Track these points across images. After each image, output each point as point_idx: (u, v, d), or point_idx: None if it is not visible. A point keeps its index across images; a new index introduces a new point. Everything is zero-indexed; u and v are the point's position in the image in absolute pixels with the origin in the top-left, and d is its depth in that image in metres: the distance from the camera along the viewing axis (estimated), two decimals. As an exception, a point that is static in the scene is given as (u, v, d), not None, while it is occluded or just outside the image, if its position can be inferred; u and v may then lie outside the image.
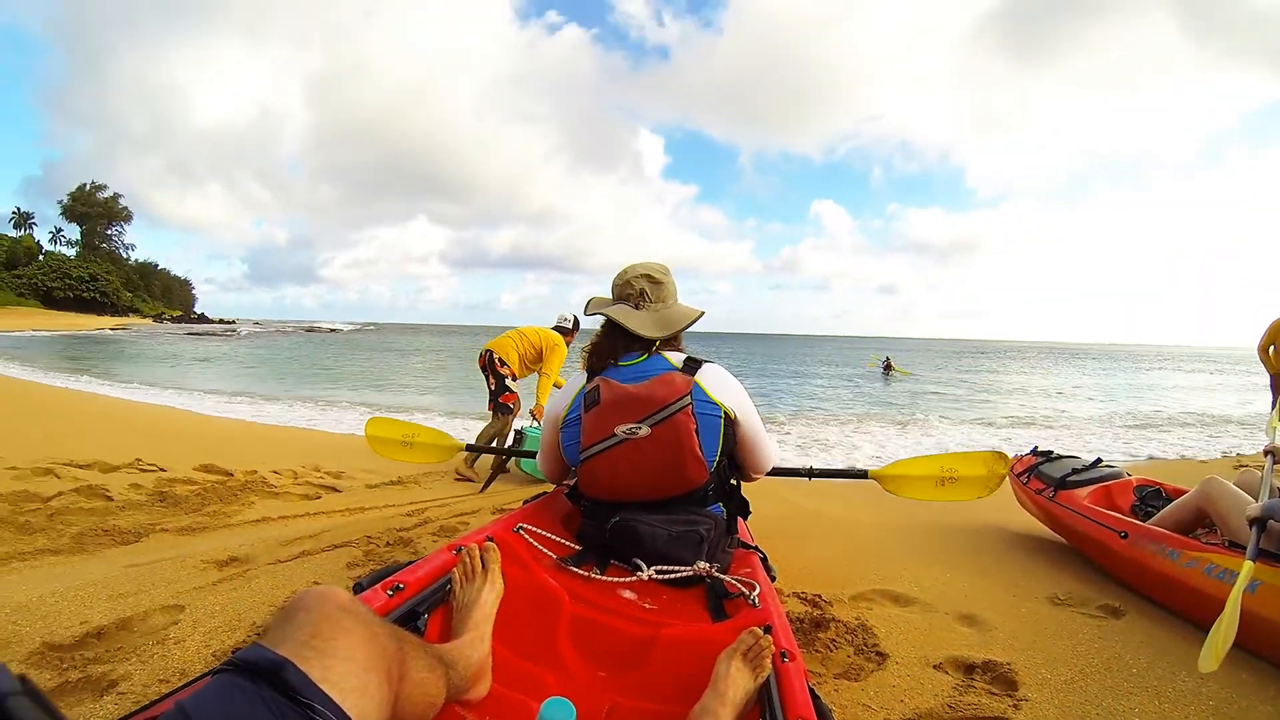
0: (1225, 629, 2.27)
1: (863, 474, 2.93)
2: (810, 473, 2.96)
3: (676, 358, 2.11)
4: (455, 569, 1.61)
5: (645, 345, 2.14)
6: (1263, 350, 6.61)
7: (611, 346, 2.16)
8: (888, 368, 31.65)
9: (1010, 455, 5.25)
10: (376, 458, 4.18)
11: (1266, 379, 7.08)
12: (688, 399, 1.97)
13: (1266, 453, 3.28)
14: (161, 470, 5.05)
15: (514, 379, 6.03)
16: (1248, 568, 2.52)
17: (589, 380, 2.10)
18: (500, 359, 6.01)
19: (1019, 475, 4.64)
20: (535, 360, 6.10)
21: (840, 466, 2.97)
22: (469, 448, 3.39)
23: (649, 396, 1.97)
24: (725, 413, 2.04)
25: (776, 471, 2.96)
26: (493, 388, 6.04)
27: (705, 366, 2.10)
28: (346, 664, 0.90)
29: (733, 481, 2.23)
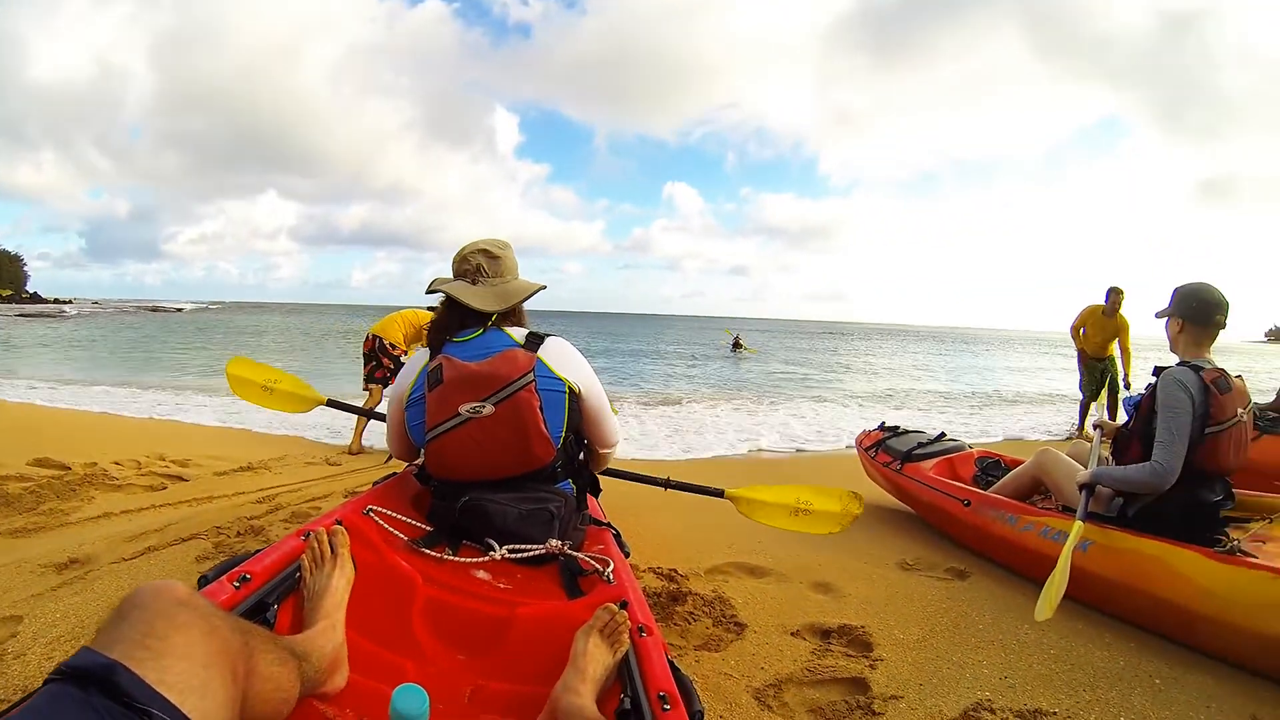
0: (1058, 582, 2.48)
1: (719, 493, 2.92)
2: (666, 483, 2.96)
3: (518, 333, 2.09)
4: (304, 555, 1.55)
5: (482, 320, 2.12)
6: (1074, 331, 8.09)
7: (448, 322, 2.14)
8: (736, 344, 32.25)
9: (858, 431, 5.47)
10: (224, 443, 3.97)
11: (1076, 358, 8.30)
12: (530, 376, 1.96)
13: (1095, 427, 3.54)
14: (-9, 467, 4.66)
15: (405, 355, 6.45)
16: (1078, 528, 2.75)
17: (432, 358, 2.07)
18: (390, 343, 6.48)
19: (867, 449, 4.86)
20: (416, 339, 6.53)
21: (699, 482, 2.91)
22: (330, 402, 3.29)
23: (492, 374, 1.95)
24: (569, 388, 2.04)
25: (633, 477, 2.97)
26: (390, 367, 6.40)
27: (548, 341, 2.09)
28: (184, 663, 0.85)
29: (581, 458, 2.23)
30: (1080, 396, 8.94)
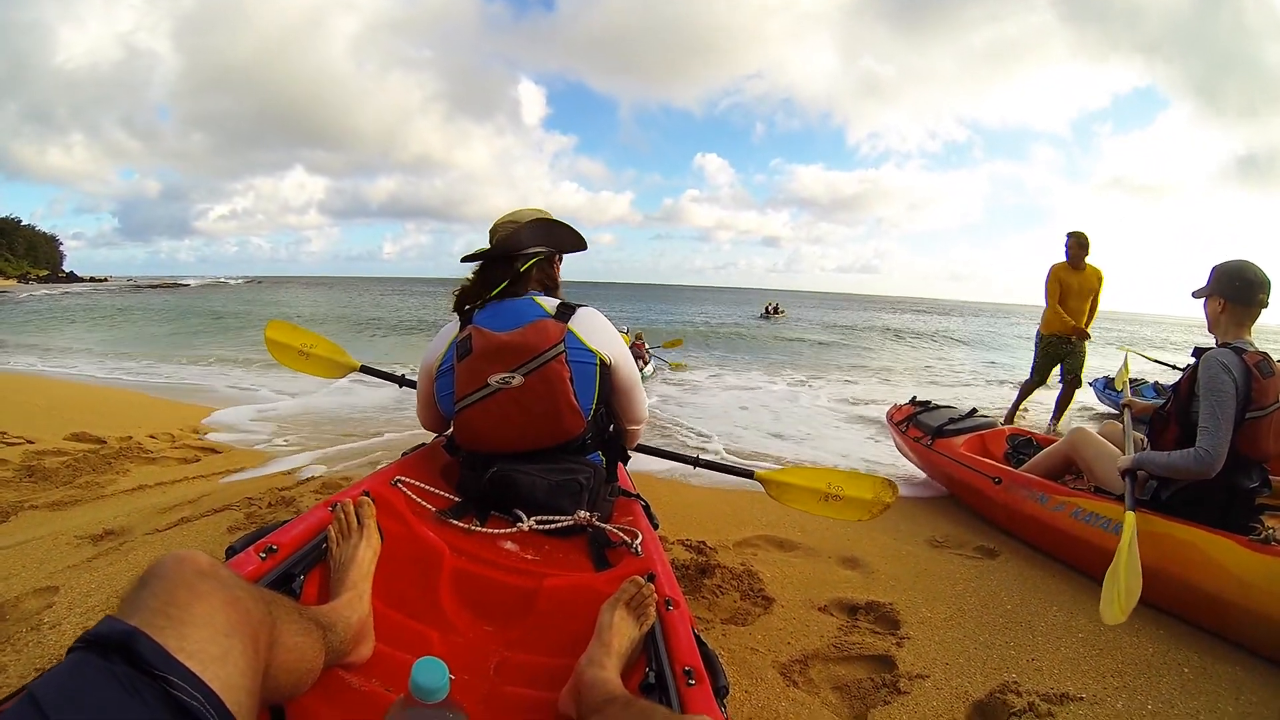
0: (1125, 581, 2.37)
1: (749, 474, 2.83)
2: (696, 461, 2.90)
3: (550, 303, 2.07)
4: (330, 526, 1.55)
5: (508, 274, 2.10)
6: (1054, 299, 6.31)
7: (478, 293, 2.12)
8: (774, 311, 36.05)
9: (889, 405, 5.41)
10: (256, 418, 3.98)
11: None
12: (561, 347, 1.94)
13: (1123, 407, 3.48)
14: (29, 443, 4.70)
15: None
16: (1130, 519, 2.65)
17: (461, 329, 2.05)
18: None
19: (898, 424, 4.83)
20: None
21: (731, 462, 2.84)
22: (363, 368, 3.27)
23: (522, 345, 1.93)
24: (600, 359, 2.02)
25: (663, 454, 2.93)
26: None
27: (579, 311, 2.06)
28: (205, 630, 0.85)
29: (611, 430, 2.20)
30: (1025, 379, 6.99)
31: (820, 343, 22.25)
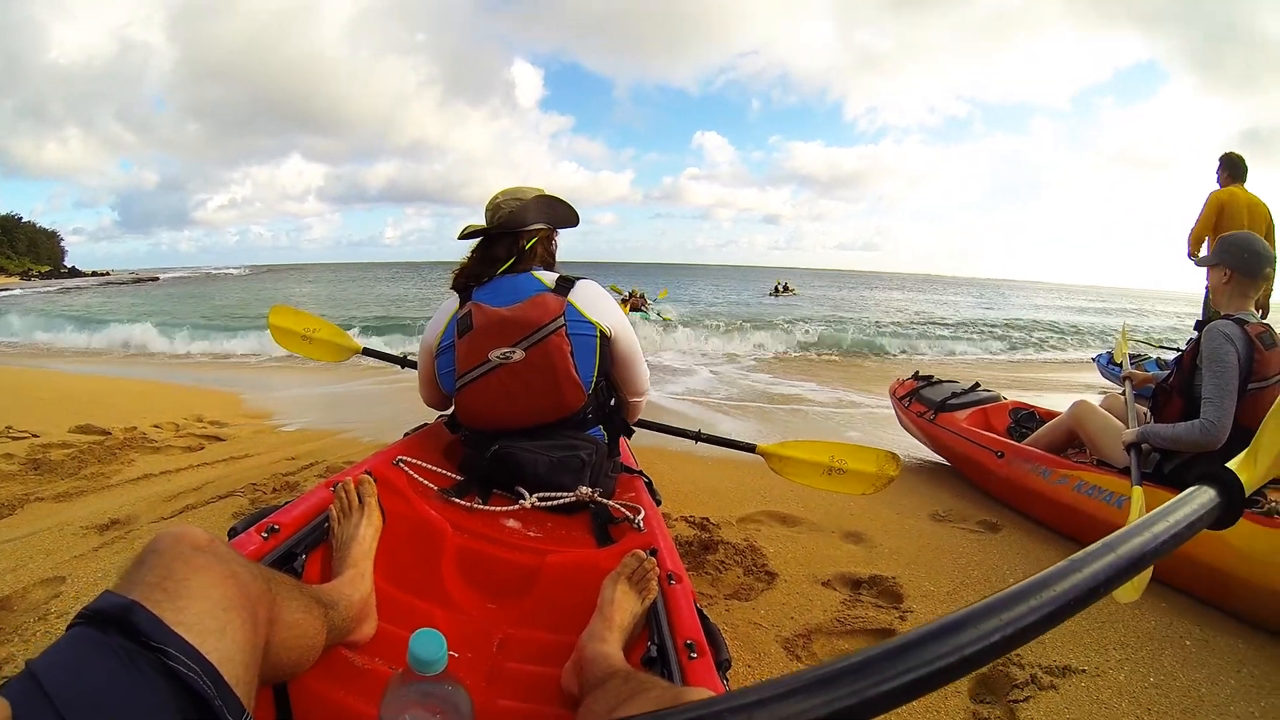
0: None
1: (751, 448, 2.80)
2: (698, 436, 2.86)
3: (549, 277, 2.06)
4: (332, 506, 1.55)
5: (512, 253, 2.09)
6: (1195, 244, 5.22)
7: (477, 271, 2.12)
8: (784, 289, 37.15)
9: (892, 381, 5.39)
10: (260, 404, 3.98)
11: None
12: (561, 320, 1.94)
13: (1124, 379, 3.46)
14: (34, 436, 4.69)
15: None
16: (1138, 494, 2.62)
17: (461, 305, 2.05)
18: None
19: (900, 399, 4.82)
20: None
21: (732, 437, 2.80)
22: (366, 351, 3.27)
23: (521, 319, 1.93)
24: (601, 331, 2.01)
25: (664, 429, 2.92)
26: None
27: (579, 284, 2.05)
28: (202, 604, 0.85)
29: (612, 404, 2.20)
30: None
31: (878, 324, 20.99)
